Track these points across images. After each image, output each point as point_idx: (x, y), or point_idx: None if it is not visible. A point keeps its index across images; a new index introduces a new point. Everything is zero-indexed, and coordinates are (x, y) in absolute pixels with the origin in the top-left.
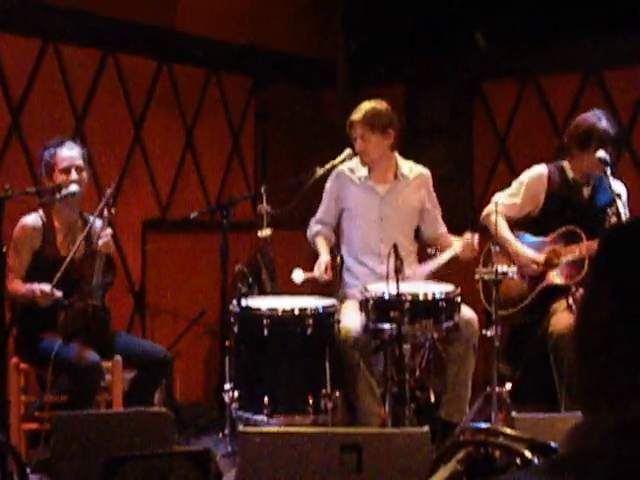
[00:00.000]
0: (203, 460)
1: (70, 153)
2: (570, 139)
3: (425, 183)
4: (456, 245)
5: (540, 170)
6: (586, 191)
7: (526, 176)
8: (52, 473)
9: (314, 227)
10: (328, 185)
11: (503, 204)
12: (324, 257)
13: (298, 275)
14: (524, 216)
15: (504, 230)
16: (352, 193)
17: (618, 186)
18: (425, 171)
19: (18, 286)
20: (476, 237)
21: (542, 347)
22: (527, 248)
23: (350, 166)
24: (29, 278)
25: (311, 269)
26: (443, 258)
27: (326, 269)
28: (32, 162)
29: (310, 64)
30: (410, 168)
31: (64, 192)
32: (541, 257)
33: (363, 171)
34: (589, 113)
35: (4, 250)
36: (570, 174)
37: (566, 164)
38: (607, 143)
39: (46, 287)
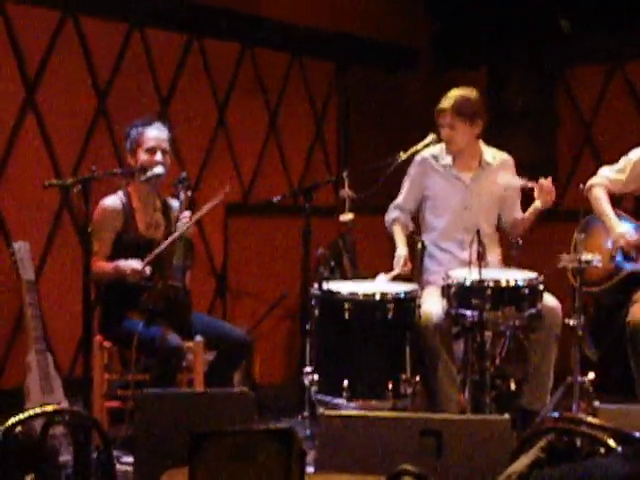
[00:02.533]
0: (286, 438)
1: (157, 134)
2: None
3: (509, 168)
4: (536, 200)
5: None
6: None
7: (636, 154)
8: (134, 450)
9: (392, 213)
10: (411, 171)
11: (608, 178)
12: (401, 251)
13: (381, 281)
14: (626, 196)
15: (604, 203)
16: (436, 182)
17: None
18: (508, 157)
19: (104, 265)
20: (549, 180)
21: (623, 335)
22: (622, 223)
23: (434, 153)
24: (112, 260)
25: (392, 254)
26: (531, 209)
27: (405, 263)
28: (118, 144)
29: (392, 49)
30: (493, 155)
31: (149, 173)
32: (634, 237)
33: (447, 159)
34: None
35: (92, 236)
36: None
37: None
38: None
39: (137, 264)
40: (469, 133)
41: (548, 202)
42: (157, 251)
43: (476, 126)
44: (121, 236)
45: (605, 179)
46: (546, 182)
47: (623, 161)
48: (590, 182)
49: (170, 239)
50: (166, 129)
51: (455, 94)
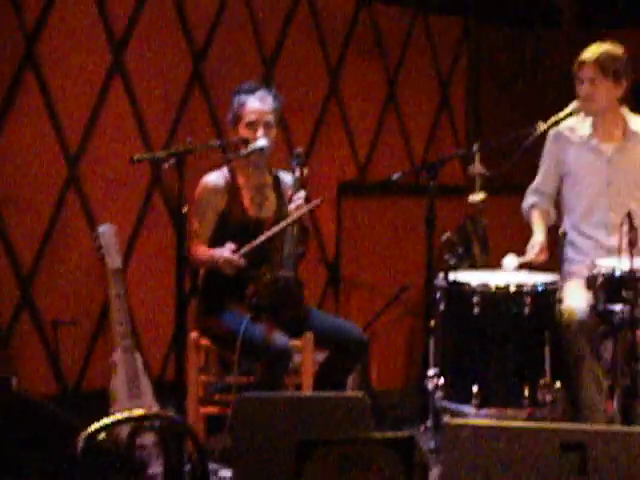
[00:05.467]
0: (407, 448)
1: (260, 106)
2: None
3: None
4: None
5: None
6: None
7: None
8: (233, 463)
9: (530, 198)
10: (546, 148)
11: None
12: (538, 237)
13: (510, 262)
14: None
15: None
16: (573, 155)
17: None
18: None
19: (202, 251)
20: None
21: None
22: None
23: (569, 125)
24: (215, 242)
25: (529, 240)
26: None
27: (541, 251)
28: (215, 113)
29: (530, 2)
30: None
31: (251, 147)
32: None
33: (585, 128)
34: None
35: (185, 212)
36: None
37: None
38: None
39: (229, 253)
40: (611, 93)
41: None
42: (254, 243)
43: (619, 87)
44: (226, 217)
45: None
46: None
47: None
48: None
49: (269, 232)
50: (271, 98)
51: (599, 47)
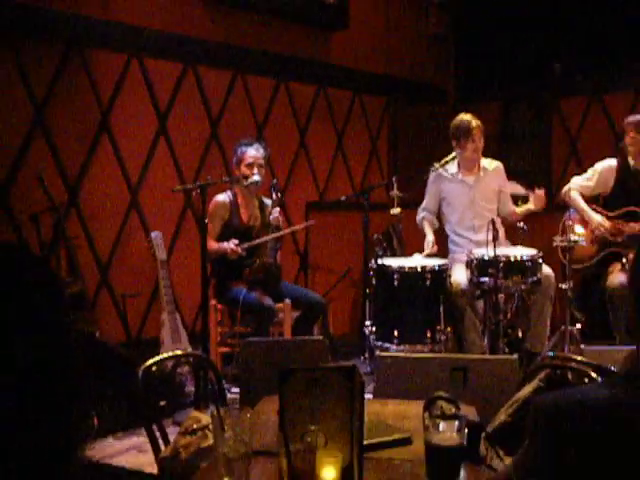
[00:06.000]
0: (351, 373)
1: (255, 153)
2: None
3: (501, 172)
4: (530, 202)
5: (610, 162)
6: None
7: (600, 166)
8: (240, 383)
9: (420, 214)
10: (429, 183)
11: (579, 184)
12: (429, 237)
13: (417, 258)
14: (594, 196)
15: (581, 202)
16: (447, 186)
17: None
18: (500, 164)
19: (213, 244)
20: (542, 191)
21: (602, 297)
22: (597, 215)
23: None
24: (221, 240)
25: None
26: (524, 208)
27: (432, 245)
28: (226, 160)
29: (428, 87)
30: (489, 162)
31: (250, 181)
32: (607, 223)
33: (453, 169)
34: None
35: (207, 222)
36: (632, 163)
37: (630, 157)
38: None
39: (233, 245)
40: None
41: (540, 207)
42: (256, 242)
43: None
44: (229, 224)
45: (577, 185)
46: (540, 192)
47: (590, 171)
48: (567, 187)
49: (269, 237)
50: (263, 148)
51: (474, 117)
